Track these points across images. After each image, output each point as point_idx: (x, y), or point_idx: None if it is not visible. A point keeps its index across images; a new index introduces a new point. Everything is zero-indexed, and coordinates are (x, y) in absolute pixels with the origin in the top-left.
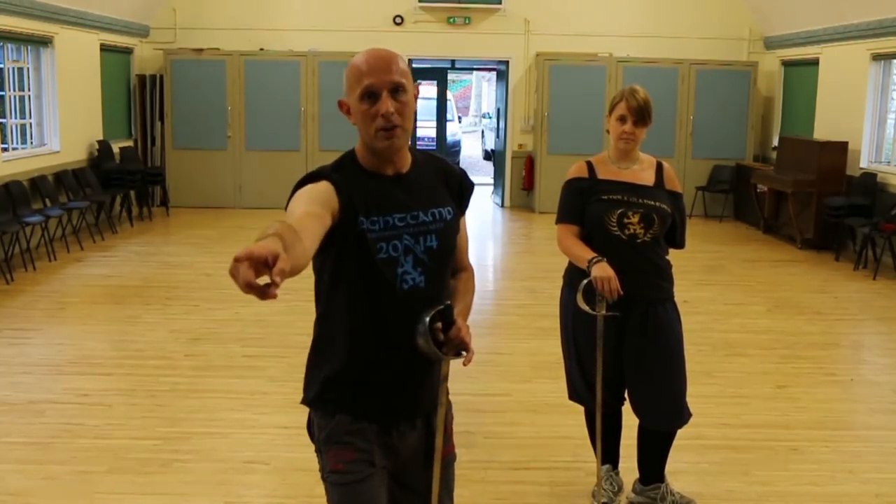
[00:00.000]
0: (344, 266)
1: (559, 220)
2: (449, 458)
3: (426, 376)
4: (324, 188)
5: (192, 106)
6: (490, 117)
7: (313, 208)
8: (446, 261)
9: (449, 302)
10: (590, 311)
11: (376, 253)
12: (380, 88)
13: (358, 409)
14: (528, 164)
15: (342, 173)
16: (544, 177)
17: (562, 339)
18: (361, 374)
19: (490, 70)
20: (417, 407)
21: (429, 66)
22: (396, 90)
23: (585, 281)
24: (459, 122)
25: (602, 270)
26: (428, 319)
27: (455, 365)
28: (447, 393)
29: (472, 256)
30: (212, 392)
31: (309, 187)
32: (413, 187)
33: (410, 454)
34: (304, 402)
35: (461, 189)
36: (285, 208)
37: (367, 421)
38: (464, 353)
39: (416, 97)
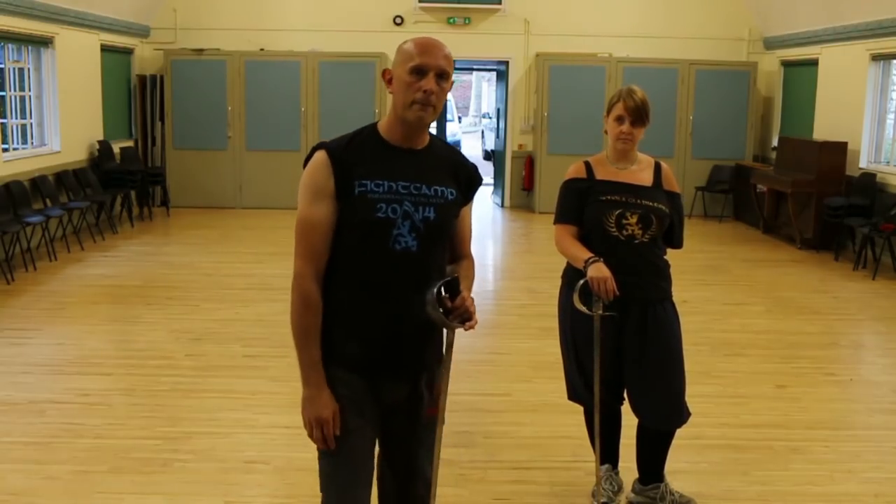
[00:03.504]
0: (346, 222)
1: (557, 221)
2: (435, 419)
3: (413, 338)
4: (322, 166)
5: (193, 106)
6: (490, 117)
7: (320, 214)
8: (441, 234)
9: (456, 275)
10: (586, 312)
11: (375, 212)
12: (430, 69)
13: (347, 361)
14: (528, 164)
15: (356, 141)
16: (544, 177)
17: (560, 339)
18: (351, 327)
19: (490, 70)
20: (403, 366)
21: None
22: (441, 76)
23: (582, 281)
24: (459, 122)
25: (598, 271)
26: (436, 289)
27: (456, 364)
28: (451, 360)
29: (472, 256)
30: (212, 392)
31: (310, 174)
32: (422, 163)
33: (394, 410)
34: None
35: (470, 181)
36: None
37: (357, 374)
38: (468, 321)
39: (448, 90)
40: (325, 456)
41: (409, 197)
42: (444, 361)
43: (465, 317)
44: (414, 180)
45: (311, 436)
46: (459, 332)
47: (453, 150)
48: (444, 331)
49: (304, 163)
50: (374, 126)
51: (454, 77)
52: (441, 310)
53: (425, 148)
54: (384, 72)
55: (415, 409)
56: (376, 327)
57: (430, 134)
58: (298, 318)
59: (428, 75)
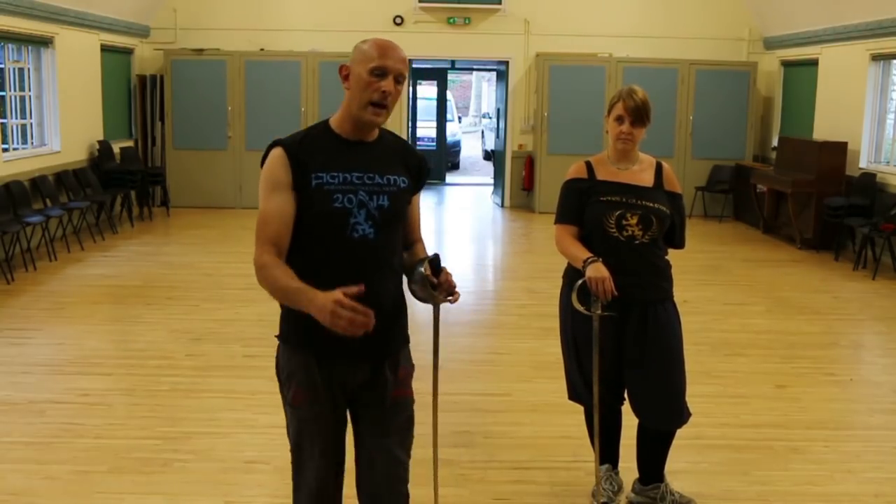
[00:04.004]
0: (304, 213)
1: (557, 221)
2: (404, 400)
3: (375, 321)
4: (279, 162)
5: (193, 106)
6: (490, 117)
7: (278, 204)
8: (395, 221)
9: (437, 253)
10: (585, 312)
11: (332, 202)
12: (389, 72)
13: (311, 347)
14: (528, 164)
15: (309, 137)
16: (544, 177)
17: (561, 339)
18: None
19: (490, 70)
20: (366, 349)
21: (429, 66)
22: (399, 79)
23: (580, 281)
24: (459, 122)
25: (596, 271)
26: (422, 268)
27: (456, 364)
28: (437, 334)
29: (472, 256)
30: (212, 392)
31: (268, 169)
32: (374, 154)
33: (360, 395)
34: (277, 335)
35: (419, 170)
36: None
37: (315, 359)
38: (451, 295)
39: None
40: (293, 445)
41: (363, 187)
42: (433, 337)
43: (449, 291)
44: (367, 171)
45: (352, 325)
46: (461, 331)
47: (402, 140)
48: (432, 307)
49: (261, 160)
50: (325, 122)
51: (453, 77)
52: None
53: (376, 140)
54: (341, 68)
55: (380, 393)
56: None
57: (380, 128)
58: (265, 278)
59: (388, 77)
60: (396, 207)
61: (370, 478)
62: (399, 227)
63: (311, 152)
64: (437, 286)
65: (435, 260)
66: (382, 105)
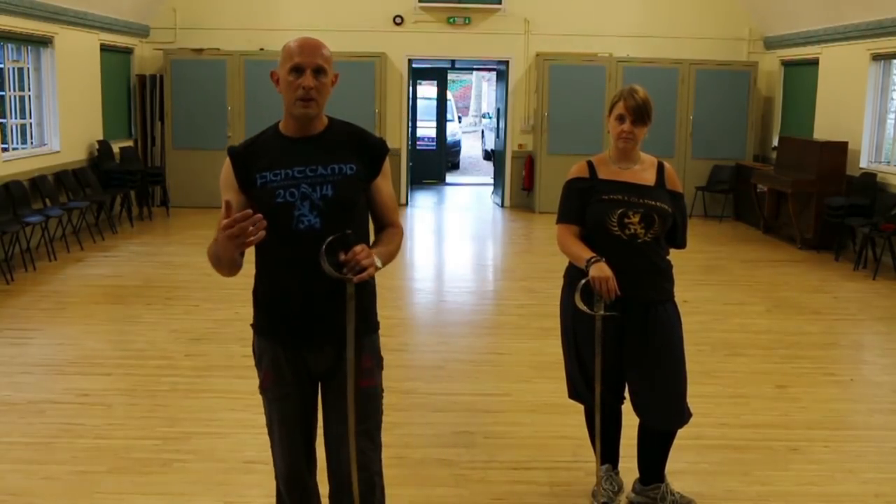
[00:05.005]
0: (256, 211)
1: (559, 220)
2: (369, 390)
3: (329, 307)
4: (227, 168)
5: (192, 106)
6: (490, 117)
7: (229, 197)
8: (343, 208)
9: (349, 231)
10: (587, 311)
11: (275, 198)
12: (305, 67)
13: (273, 334)
14: (528, 164)
15: (259, 141)
16: (544, 177)
17: (562, 338)
18: (271, 302)
19: (490, 70)
20: (321, 334)
21: (429, 66)
22: (318, 71)
23: (583, 281)
24: (459, 122)
25: (600, 270)
26: (325, 245)
27: (456, 364)
28: (353, 311)
29: (471, 256)
30: (212, 392)
31: (223, 171)
32: (318, 147)
33: (324, 377)
34: (252, 325)
35: (372, 155)
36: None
37: (281, 346)
38: (360, 273)
39: (333, 83)
40: (267, 429)
41: (305, 179)
42: (347, 313)
43: (356, 269)
44: (309, 164)
45: (243, 234)
46: (461, 331)
47: (354, 128)
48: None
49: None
50: (276, 124)
51: (455, 77)
52: (336, 264)
53: (322, 132)
54: (271, 74)
55: (344, 381)
56: (291, 301)
57: (329, 117)
58: (209, 256)
59: (305, 73)
60: (342, 195)
61: (337, 465)
62: (352, 213)
63: (257, 155)
64: (344, 263)
65: (343, 237)
66: (307, 98)
